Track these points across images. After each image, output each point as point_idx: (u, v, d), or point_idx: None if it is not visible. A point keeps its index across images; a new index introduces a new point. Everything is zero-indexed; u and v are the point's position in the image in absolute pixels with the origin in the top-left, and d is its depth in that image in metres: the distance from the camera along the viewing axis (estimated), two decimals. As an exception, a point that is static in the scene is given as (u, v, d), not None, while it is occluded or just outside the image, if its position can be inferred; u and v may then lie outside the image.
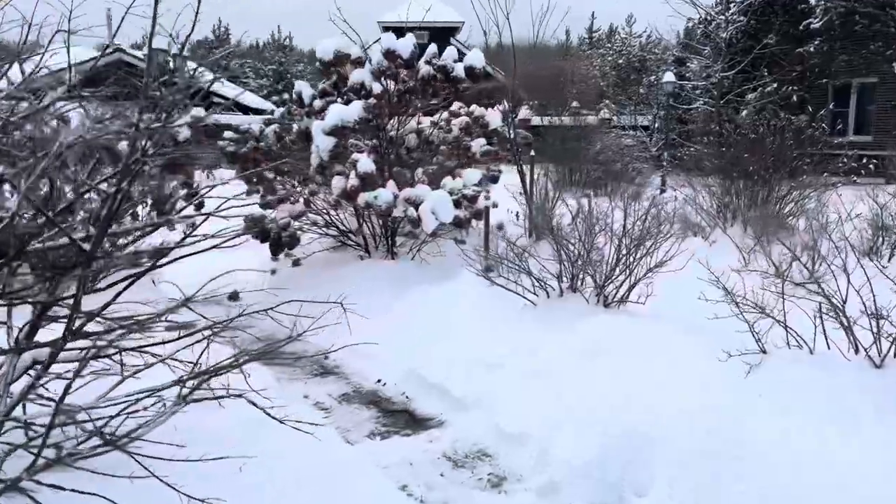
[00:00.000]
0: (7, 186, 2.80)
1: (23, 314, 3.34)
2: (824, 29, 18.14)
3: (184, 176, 6.89)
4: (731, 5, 19.98)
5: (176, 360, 3.50)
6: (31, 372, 3.37)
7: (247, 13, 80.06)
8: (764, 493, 3.32)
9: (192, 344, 3.63)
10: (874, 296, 3.87)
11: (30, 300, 3.08)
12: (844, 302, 3.98)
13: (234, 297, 7.74)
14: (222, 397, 3.29)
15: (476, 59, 7.66)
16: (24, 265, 3.92)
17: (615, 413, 4.06)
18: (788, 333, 4.06)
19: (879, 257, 6.88)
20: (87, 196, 4.08)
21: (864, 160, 13.02)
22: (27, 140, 2.28)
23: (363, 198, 6.40)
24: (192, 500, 2.62)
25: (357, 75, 7.12)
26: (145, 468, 2.35)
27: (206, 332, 3.66)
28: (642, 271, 5.22)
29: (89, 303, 3.68)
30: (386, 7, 32.16)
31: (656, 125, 22.96)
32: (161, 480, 2.37)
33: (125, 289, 2.96)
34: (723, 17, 19.85)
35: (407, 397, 5.21)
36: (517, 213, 8.28)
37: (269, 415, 3.39)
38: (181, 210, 5.61)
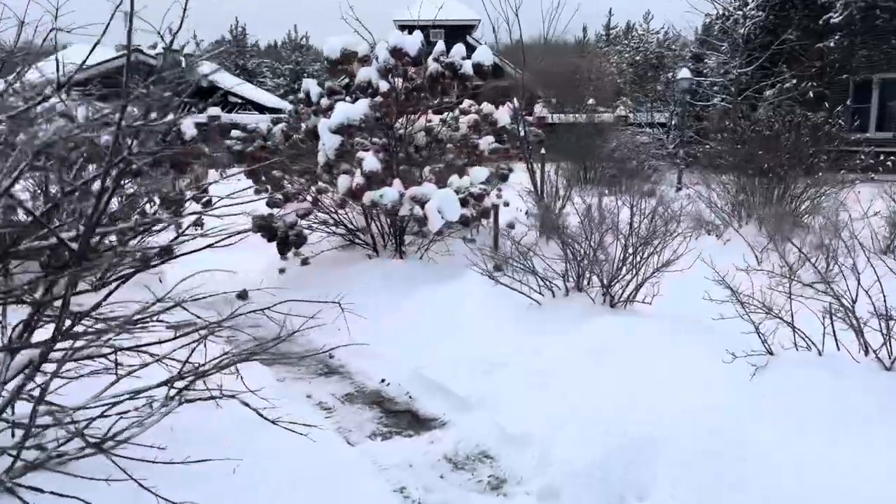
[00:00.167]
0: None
1: (24, 314, 3.34)
2: (844, 24, 17.84)
3: (192, 174, 6.89)
4: (750, 0, 19.72)
5: (173, 360, 3.48)
6: (28, 372, 3.38)
7: (264, 13, 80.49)
8: (767, 495, 3.24)
9: (189, 344, 3.62)
10: (884, 296, 3.77)
11: (24, 299, 3.08)
12: (854, 302, 3.88)
13: (242, 295, 7.74)
14: (214, 398, 3.27)
15: (484, 56, 7.59)
16: (23, 265, 3.93)
17: (619, 412, 4.00)
18: (796, 334, 3.97)
19: (896, 256, 6.73)
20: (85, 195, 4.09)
21: (882, 157, 12.77)
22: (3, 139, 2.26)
23: (368, 196, 6.36)
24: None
25: (364, 73, 7.08)
26: (123, 470, 2.33)
27: (203, 332, 3.65)
28: (649, 271, 5.14)
29: (91, 301, 3.69)
30: (401, 6, 32.20)
31: (673, 122, 22.73)
32: (138, 483, 2.34)
33: (115, 288, 2.95)
34: (740, 13, 19.59)
35: (410, 397, 5.17)
36: (527, 211, 8.21)
37: (261, 416, 3.36)
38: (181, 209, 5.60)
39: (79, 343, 3.31)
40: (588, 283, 5.42)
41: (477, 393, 4.81)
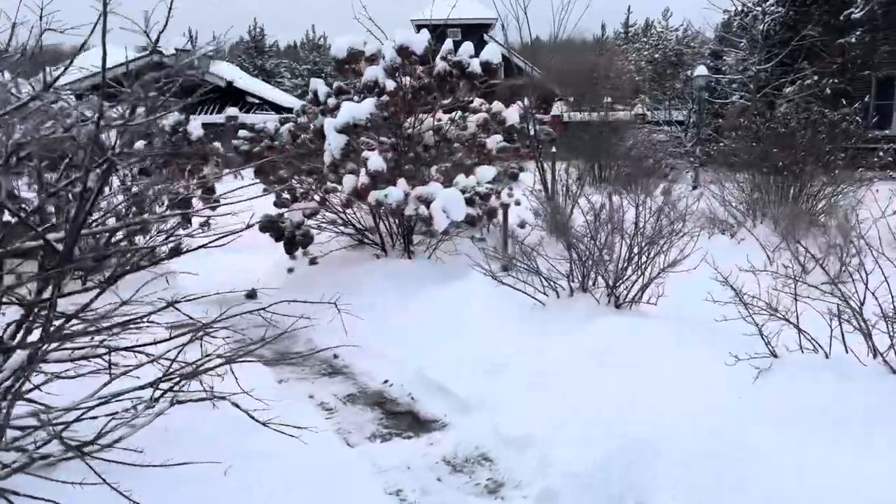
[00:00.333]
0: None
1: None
2: (866, 19, 17.52)
3: (201, 174, 6.91)
4: (769, -4, 19.46)
5: (173, 360, 3.47)
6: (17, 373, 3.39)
7: (283, 14, 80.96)
8: (767, 496, 3.16)
9: (186, 344, 3.61)
10: (893, 297, 3.67)
11: (14, 300, 3.08)
12: (862, 304, 3.78)
13: (251, 295, 7.77)
14: (205, 399, 3.25)
15: (492, 54, 7.53)
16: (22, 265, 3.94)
17: (621, 414, 3.93)
18: (802, 336, 3.87)
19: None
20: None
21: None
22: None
23: (373, 196, 6.33)
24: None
25: (371, 72, 7.05)
26: (97, 474, 2.31)
27: (199, 333, 3.64)
28: (655, 271, 5.06)
29: (93, 301, 3.69)
30: (419, 6, 32.12)
31: (691, 120, 22.49)
32: (111, 486, 2.32)
33: (102, 291, 2.93)
34: (759, 9, 19.31)
35: (412, 398, 5.12)
36: (534, 211, 8.14)
37: (252, 417, 3.33)
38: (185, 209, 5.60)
39: (72, 344, 3.32)
40: (594, 284, 5.34)
41: (478, 394, 4.76)
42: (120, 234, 6.16)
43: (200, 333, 3.56)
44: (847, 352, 3.80)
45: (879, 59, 17.69)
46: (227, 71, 32.13)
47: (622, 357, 4.40)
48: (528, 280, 5.43)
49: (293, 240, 7.65)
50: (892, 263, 3.89)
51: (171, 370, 3.01)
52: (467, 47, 7.49)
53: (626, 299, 5.10)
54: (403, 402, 5.08)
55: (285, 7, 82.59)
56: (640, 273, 5.07)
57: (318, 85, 7.87)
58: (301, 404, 5.03)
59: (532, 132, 8.69)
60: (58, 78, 2.64)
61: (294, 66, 47.86)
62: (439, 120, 8.30)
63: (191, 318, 3.42)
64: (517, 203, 8.53)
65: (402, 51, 6.96)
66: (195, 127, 6.71)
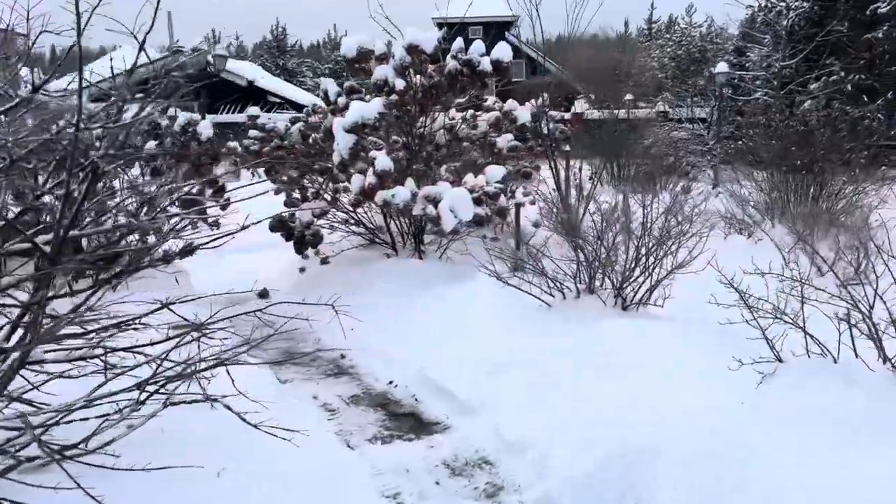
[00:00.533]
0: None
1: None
2: (893, 13, 17.13)
3: (210, 174, 6.94)
4: (793, -9, 19.12)
5: (158, 362, 3.47)
6: (24, 373, 3.41)
7: (303, 13, 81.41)
8: (768, 497, 3.09)
9: (176, 346, 3.60)
10: (903, 301, 3.56)
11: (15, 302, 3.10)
12: (871, 308, 3.67)
13: (263, 294, 7.80)
14: (198, 401, 3.24)
15: (503, 52, 7.46)
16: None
17: (621, 415, 3.89)
18: (808, 340, 3.77)
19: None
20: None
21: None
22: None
23: (381, 196, 6.31)
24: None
25: (380, 72, 7.03)
26: (71, 478, 2.30)
27: (195, 334, 3.63)
28: (663, 272, 4.97)
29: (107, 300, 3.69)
30: (439, 5, 32.00)
31: (714, 118, 22.17)
32: (85, 491, 2.31)
33: (93, 292, 2.93)
34: (783, 4, 18.98)
35: (416, 400, 5.09)
36: (540, 211, 8.06)
37: (244, 420, 3.32)
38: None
39: (68, 344, 3.34)
40: (601, 286, 5.27)
41: (481, 396, 4.72)
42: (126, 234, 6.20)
43: (197, 334, 3.57)
44: (856, 356, 3.70)
45: (907, 55, 17.31)
46: (248, 70, 32.35)
47: (626, 359, 4.33)
48: (534, 281, 5.37)
49: (303, 239, 7.66)
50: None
51: (157, 371, 2.99)
52: (478, 46, 7.43)
53: (633, 301, 5.02)
54: (407, 404, 5.05)
55: (308, 7, 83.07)
56: (647, 275, 4.98)
57: (328, 84, 7.87)
58: (304, 405, 5.02)
59: (546, 131, 8.60)
60: (46, 81, 2.63)
61: (316, 66, 48.11)
62: (452, 119, 8.26)
63: (185, 319, 3.41)
64: (532, 202, 8.46)
65: (412, 49, 6.92)
66: (205, 126, 6.74)
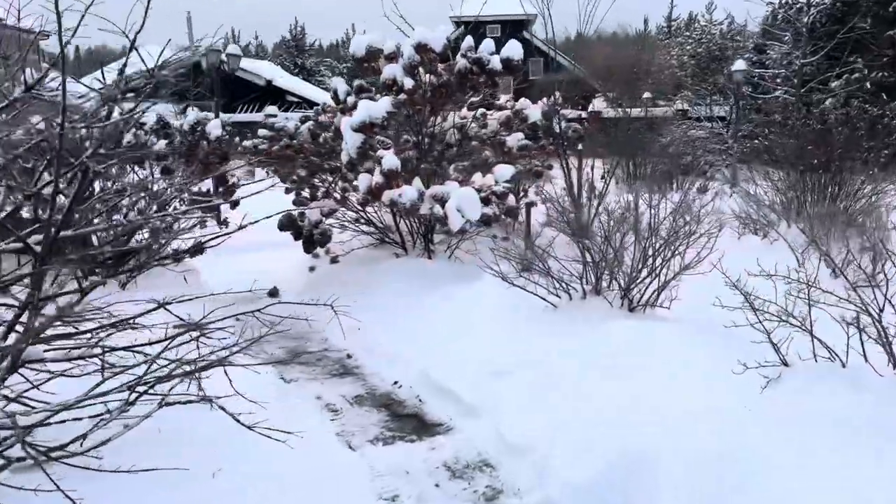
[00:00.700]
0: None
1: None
2: (918, 9, 16.83)
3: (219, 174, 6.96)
4: (815, -13, 18.82)
5: (163, 359, 3.47)
6: (25, 372, 3.43)
7: (327, 13, 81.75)
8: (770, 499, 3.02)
9: (180, 344, 3.60)
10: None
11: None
12: (881, 311, 3.58)
13: (273, 293, 7.81)
14: (191, 402, 3.23)
15: (513, 50, 7.40)
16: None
17: (624, 418, 3.82)
18: (815, 344, 3.68)
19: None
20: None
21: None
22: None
23: (387, 195, 6.28)
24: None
25: (389, 71, 7.00)
26: (51, 479, 2.29)
27: (194, 333, 3.63)
28: (671, 273, 4.89)
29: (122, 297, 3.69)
30: (455, 3, 31.92)
31: (733, 116, 21.91)
32: (65, 494, 2.30)
33: (86, 293, 2.92)
34: (804, 0, 18.69)
35: (420, 401, 5.06)
36: (547, 211, 7.99)
37: (238, 421, 3.30)
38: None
39: (66, 343, 3.35)
40: (608, 287, 5.20)
41: (484, 398, 4.67)
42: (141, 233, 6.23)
43: (196, 333, 3.56)
44: (866, 361, 3.60)
45: (931, 52, 16.98)
46: (266, 70, 32.54)
47: (630, 361, 4.26)
48: (540, 282, 5.31)
49: (311, 238, 7.65)
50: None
51: (149, 371, 2.99)
52: (488, 44, 7.38)
53: (640, 302, 4.94)
54: (411, 405, 5.02)
55: (328, 6, 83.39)
56: (654, 276, 4.91)
57: (338, 83, 7.85)
58: (307, 405, 5.01)
59: (558, 129, 8.53)
60: (39, 80, 2.63)
61: (334, 65, 48.29)
62: (464, 118, 8.22)
63: (180, 318, 3.40)
64: (545, 201, 8.39)
65: (421, 48, 6.89)
66: (214, 126, 6.76)
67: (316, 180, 7.90)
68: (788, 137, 9.45)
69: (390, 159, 6.21)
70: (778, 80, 20.56)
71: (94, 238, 5.49)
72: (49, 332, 3.39)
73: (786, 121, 9.81)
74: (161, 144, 6.81)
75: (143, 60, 2.69)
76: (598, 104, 24.32)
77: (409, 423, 4.74)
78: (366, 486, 3.86)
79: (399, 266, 7.58)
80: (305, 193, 7.87)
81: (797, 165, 8.75)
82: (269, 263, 8.76)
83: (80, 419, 2.97)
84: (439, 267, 7.49)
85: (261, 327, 4.25)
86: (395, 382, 5.40)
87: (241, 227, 3.60)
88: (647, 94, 23.35)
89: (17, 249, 2.65)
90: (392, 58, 7.29)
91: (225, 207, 6.84)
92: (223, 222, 6.30)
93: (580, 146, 9.38)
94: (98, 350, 3.43)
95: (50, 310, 3.27)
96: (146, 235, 6.26)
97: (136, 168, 6.13)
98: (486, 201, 6.48)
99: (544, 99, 8.86)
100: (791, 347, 3.75)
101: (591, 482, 3.59)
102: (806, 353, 3.71)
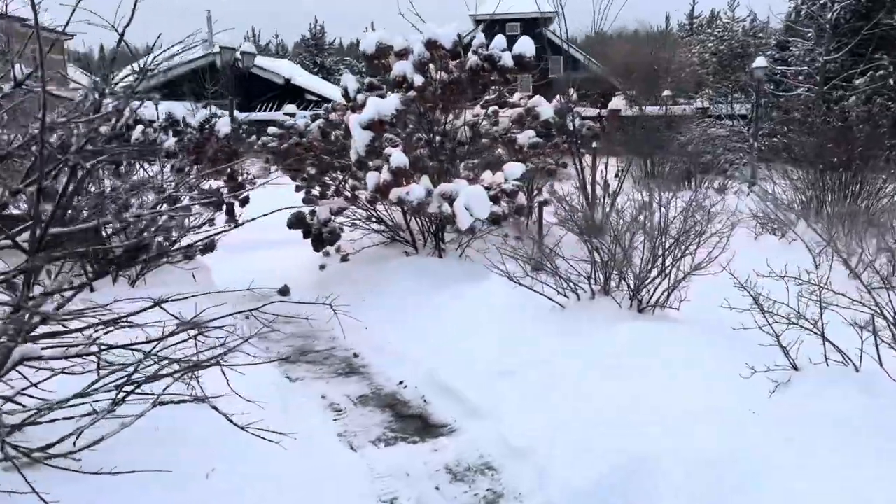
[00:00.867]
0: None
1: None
2: (945, 4, 16.45)
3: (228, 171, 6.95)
4: (838, -18, 18.47)
5: (154, 356, 3.43)
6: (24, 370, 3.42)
7: (349, 12, 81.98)
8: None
9: (181, 342, 3.56)
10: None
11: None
12: (895, 314, 3.46)
13: (283, 291, 7.79)
14: (184, 401, 3.19)
15: (525, 47, 7.31)
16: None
17: (626, 420, 3.76)
18: (827, 347, 3.57)
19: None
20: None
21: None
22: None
23: (395, 193, 6.22)
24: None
25: (399, 67, 6.94)
26: (28, 483, 2.25)
27: (192, 332, 3.59)
28: (681, 274, 4.78)
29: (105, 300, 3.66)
30: (469, 4, 31.72)
31: (754, 114, 21.59)
32: (39, 496, 2.25)
33: (79, 290, 2.90)
34: (828, -4, 18.38)
35: (425, 401, 5.00)
36: (555, 211, 7.89)
37: (231, 422, 3.25)
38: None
39: (57, 341, 3.32)
40: (616, 287, 5.10)
41: (489, 399, 4.60)
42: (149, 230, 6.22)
43: (194, 332, 3.53)
44: (881, 365, 3.48)
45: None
46: (285, 69, 32.68)
47: (637, 362, 4.18)
48: (548, 281, 5.23)
49: (320, 237, 7.62)
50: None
51: (138, 369, 2.95)
52: (499, 41, 7.30)
53: (649, 303, 4.84)
54: (415, 405, 4.96)
55: (350, 5, 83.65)
56: (663, 276, 4.80)
57: (348, 81, 7.82)
58: (311, 404, 4.97)
59: (572, 127, 8.42)
60: (28, 76, 2.60)
61: (353, 63, 48.39)
62: (476, 115, 8.14)
63: (175, 316, 3.36)
64: (557, 200, 8.29)
65: (431, 45, 6.82)
66: (223, 124, 6.75)
67: (326, 178, 7.87)
68: (808, 135, 9.25)
69: (398, 157, 6.15)
70: (800, 78, 20.22)
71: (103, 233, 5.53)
72: (47, 329, 3.38)
73: (806, 118, 9.60)
74: (171, 142, 6.82)
75: (133, 56, 2.65)
76: (617, 102, 24.14)
77: (413, 423, 4.68)
78: (365, 488, 3.81)
79: (409, 265, 7.52)
80: (315, 191, 7.84)
81: (817, 164, 8.56)
82: (279, 261, 8.75)
83: (71, 418, 2.94)
84: (449, 266, 7.42)
85: (264, 325, 4.22)
86: (401, 382, 5.34)
87: (238, 225, 3.55)
88: (667, 92, 23.11)
89: (7, 247, 2.62)
90: (402, 55, 7.23)
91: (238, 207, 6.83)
92: (233, 220, 6.28)
93: (595, 144, 9.26)
94: (95, 348, 3.41)
95: (50, 307, 3.26)
96: (153, 230, 6.28)
97: (146, 165, 6.12)
98: (495, 199, 6.40)
99: (558, 96, 8.75)
100: (802, 351, 3.65)
101: (591, 485, 3.52)
102: (817, 356, 3.59)
